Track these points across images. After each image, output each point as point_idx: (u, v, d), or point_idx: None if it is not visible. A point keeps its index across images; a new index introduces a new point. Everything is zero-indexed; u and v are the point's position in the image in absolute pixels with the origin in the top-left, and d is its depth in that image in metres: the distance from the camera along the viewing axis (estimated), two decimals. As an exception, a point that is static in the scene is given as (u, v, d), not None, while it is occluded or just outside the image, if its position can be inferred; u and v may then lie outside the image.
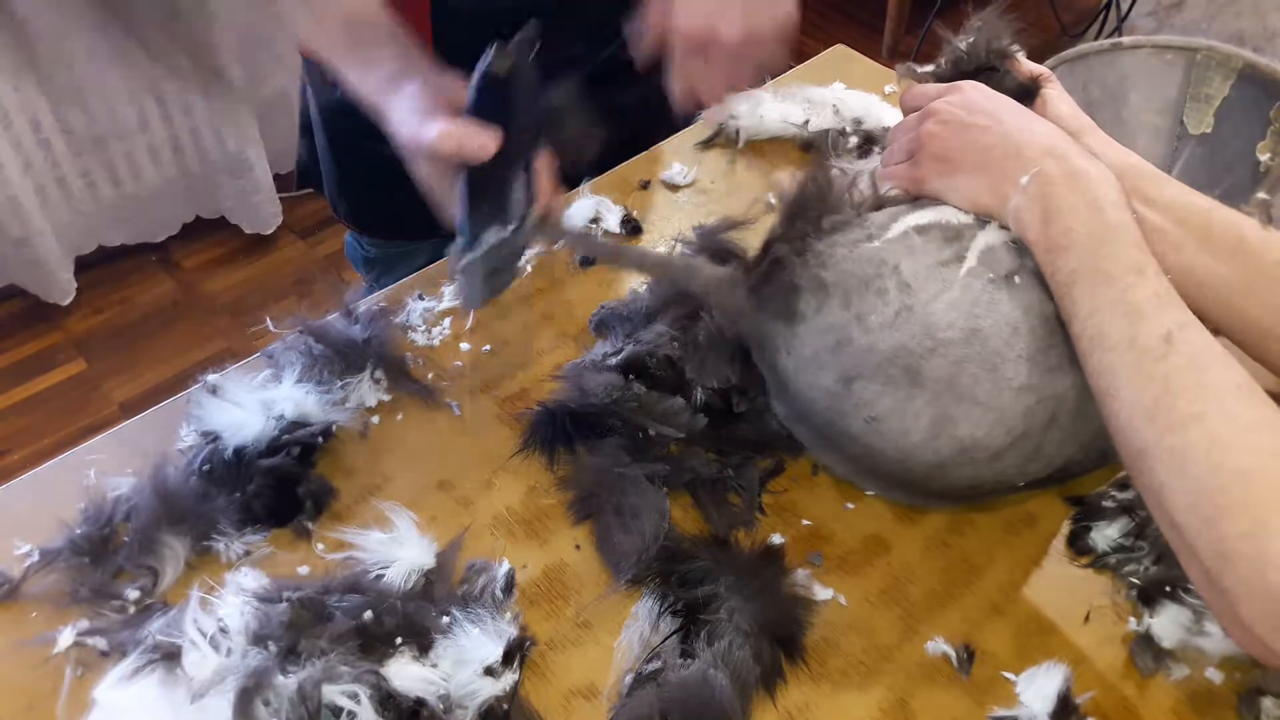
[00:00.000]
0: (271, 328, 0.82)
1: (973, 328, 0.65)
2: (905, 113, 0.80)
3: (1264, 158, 0.83)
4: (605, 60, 1.00)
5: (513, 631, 0.64)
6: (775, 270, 0.71)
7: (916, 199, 0.74)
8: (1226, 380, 0.60)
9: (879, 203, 0.74)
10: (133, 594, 0.68)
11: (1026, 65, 0.78)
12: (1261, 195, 0.79)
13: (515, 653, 0.63)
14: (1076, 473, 0.74)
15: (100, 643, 0.66)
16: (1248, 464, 0.57)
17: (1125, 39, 0.87)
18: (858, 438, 0.70)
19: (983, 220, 0.71)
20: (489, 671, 0.62)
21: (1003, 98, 0.77)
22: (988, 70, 0.88)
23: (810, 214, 0.72)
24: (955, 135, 0.74)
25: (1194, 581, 0.61)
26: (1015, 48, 0.88)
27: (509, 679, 0.62)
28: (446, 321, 0.87)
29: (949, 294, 0.67)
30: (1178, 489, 0.58)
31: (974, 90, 0.77)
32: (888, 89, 1.13)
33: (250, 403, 0.76)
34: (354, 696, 0.59)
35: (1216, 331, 0.71)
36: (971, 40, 0.92)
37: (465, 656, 0.63)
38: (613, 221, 0.96)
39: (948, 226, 0.70)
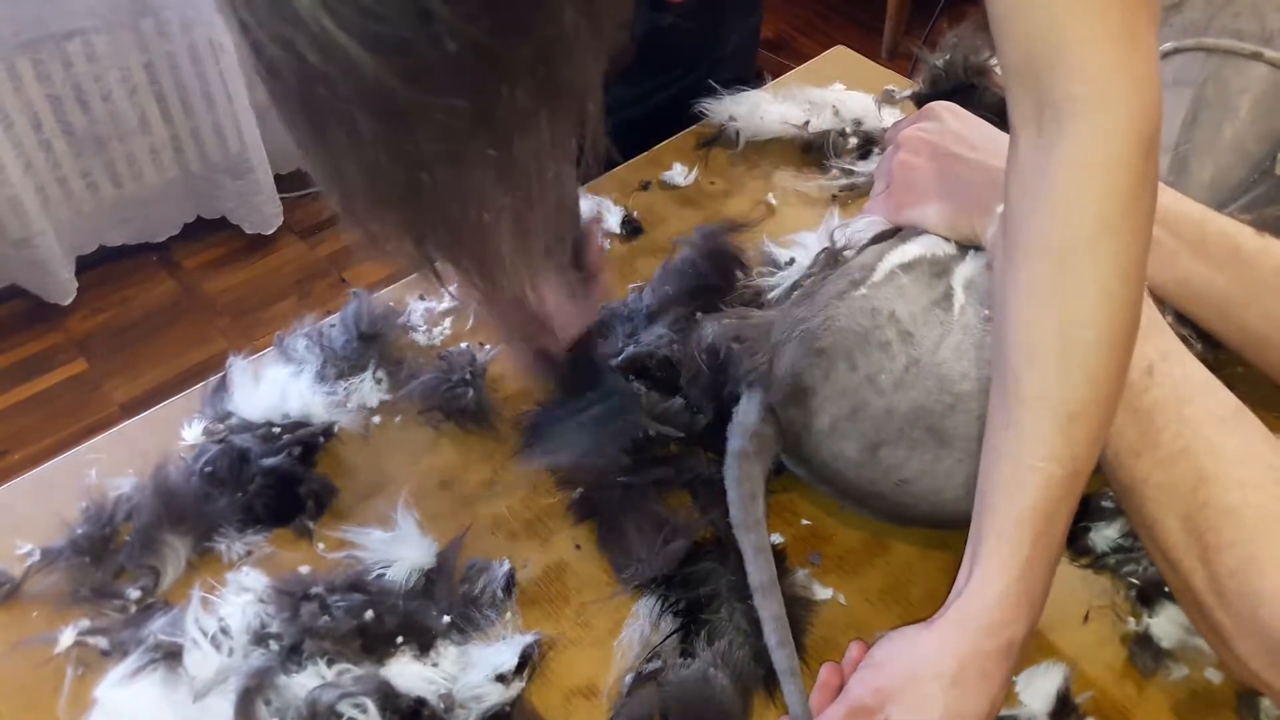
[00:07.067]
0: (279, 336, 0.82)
1: (987, 375, 0.63)
2: (888, 145, 0.79)
3: None
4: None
5: (526, 639, 0.64)
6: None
7: (898, 230, 0.73)
8: (1210, 411, 0.59)
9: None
10: (134, 593, 0.68)
11: None
12: None
13: (528, 661, 0.64)
14: None
15: (101, 642, 0.66)
16: (1235, 499, 0.56)
17: (1269, 51, 0.77)
18: (888, 497, 0.68)
19: (964, 248, 0.70)
20: (500, 678, 0.62)
21: (976, 120, 0.75)
22: (967, 88, 0.86)
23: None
24: (927, 164, 0.72)
25: (1188, 615, 0.61)
26: (993, 62, 0.86)
27: (518, 686, 0.63)
28: (447, 322, 0.87)
29: (950, 338, 0.65)
30: (1169, 526, 0.58)
31: (946, 112, 0.75)
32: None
33: (268, 389, 0.78)
34: (362, 707, 0.59)
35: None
36: (948, 58, 0.90)
37: (475, 661, 0.63)
38: (613, 222, 0.95)
39: (934, 260, 0.69)
